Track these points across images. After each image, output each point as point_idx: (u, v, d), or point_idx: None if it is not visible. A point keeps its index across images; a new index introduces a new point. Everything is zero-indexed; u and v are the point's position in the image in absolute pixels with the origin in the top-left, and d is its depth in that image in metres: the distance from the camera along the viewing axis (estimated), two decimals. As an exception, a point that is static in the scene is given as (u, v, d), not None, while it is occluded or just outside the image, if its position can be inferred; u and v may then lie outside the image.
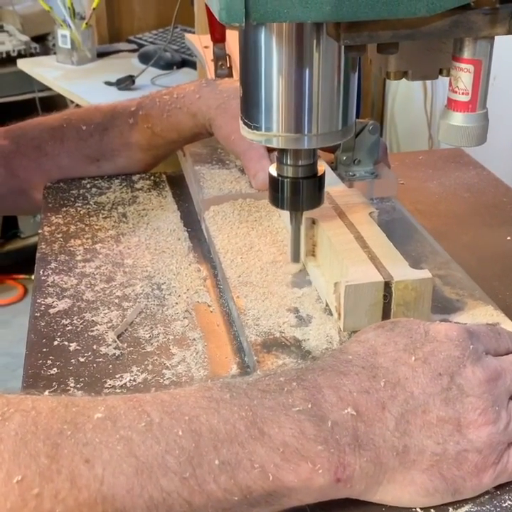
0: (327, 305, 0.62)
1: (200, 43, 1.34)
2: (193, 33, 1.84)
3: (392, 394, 0.44)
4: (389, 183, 0.81)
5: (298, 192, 0.61)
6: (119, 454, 0.38)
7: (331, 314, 0.61)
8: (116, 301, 0.66)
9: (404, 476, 0.43)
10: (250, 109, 0.57)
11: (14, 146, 0.87)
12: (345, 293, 0.57)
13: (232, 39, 1.12)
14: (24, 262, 2.74)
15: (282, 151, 0.60)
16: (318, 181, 0.61)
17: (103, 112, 0.88)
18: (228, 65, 1.08)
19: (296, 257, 0.66)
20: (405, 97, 1.59)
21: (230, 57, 1.09)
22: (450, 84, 0.53)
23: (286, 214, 0.73)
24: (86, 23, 1.85)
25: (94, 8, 1.84)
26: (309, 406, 0.42)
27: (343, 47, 0.51)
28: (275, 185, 0.62)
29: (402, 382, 0.44)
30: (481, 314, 0.61)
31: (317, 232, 0.65)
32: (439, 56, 0.55)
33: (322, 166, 0.62)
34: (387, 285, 0.57)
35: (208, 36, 1.18)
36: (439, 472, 0.43)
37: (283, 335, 0.59)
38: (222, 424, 0.40)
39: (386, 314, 0.58)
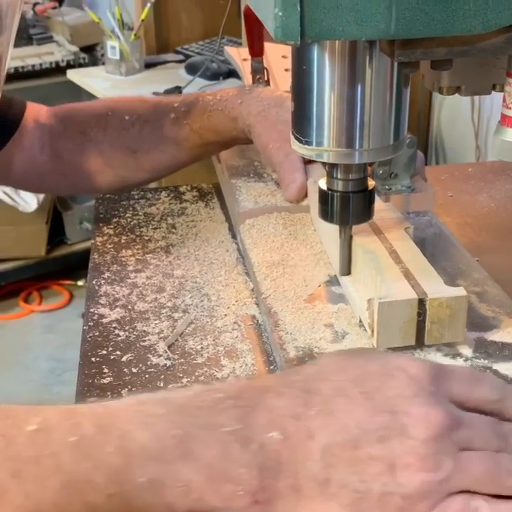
0: (361, 321, 0.61)
1: (239, 55, 1.36)
2: (240, 43, 1.86)
3: (322, 423, 0.42)
4: (426, 196, 0.79)
5: (347, 206, 0.61)
6: (47, 469, 0.39)
7: (365, 330, 0.60)
8: (167, 311, 0.67)
9: (323, 508, 0.41)
10: (302, 124, 0.58)
11: (61, 127, 0.88)
12: (379, 310, 0.56)
13: (270, 53, 1.13)
14: (70, 268, 2.79)
15: (333, 166, 0.60)
16: (368, 196, 0.62)
17: (147, 104, 0.89)
18: (266, 79, 1.09)
19: (344, 270, 0.66)
20: (452, 107, 1.58)
21: (267, 70, 1.11)
22: (504, 100, 0.53)
23: (321, 228, 0.74)
24: (134, 35, 1.88)
25: (142, 20, 1.87)
26: (239, 427, 0.42)
27: (396, 63, 0.51)
28: (324, 199, 0.63)
29: (336, 413, 0.42)
30: None
31: (352, 247, 0.65)
32: (493, 72, 0.55)
33: (372, 181, 0.62)
34: (421, 302, 0.57)
35: (246, 49, 1.20)
36: (358, 510, 0.41)
37: (319, 350, 0.59)
38: (154, 441, 0.40)
39: (420, 331, 0.58)
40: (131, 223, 0.85)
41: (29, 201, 2.49)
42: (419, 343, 0.59)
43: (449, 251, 0.73)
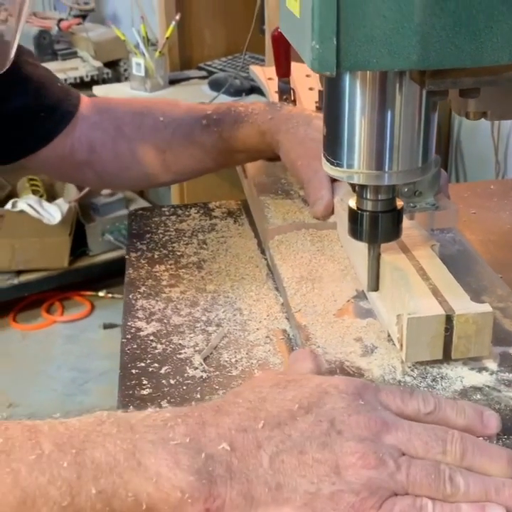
0: (389, 335, 0.64)
1: (264, 74, 1.40)
2: (262, 60, 1.89)
3: (269, 434, 0.46)
4: (450, 214, 0.81)
5: (376, 225, 0.64)
6: (6, 486, 0.42)
7: (394, 345, 0.63)
8: (201, 325, 0.69)
9: None
10: (333, 146, 0.60)
11: (98, 118, 0.91)
12: (408, 325, 0.59)
13: (295, 73, 1.17)
14: (91, 279, 2.83)
15: (362, 186, 0.63)
16: (397, 215, 0.64)
17: (181, 109, 0.93)
18: (292, 99, 1.13)
19: (373, 287, 0.68)
20: (471, 123, 1.60)
21: (294, 91, 1.14)
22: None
23: (348, 244, 0.76)
24: (159, 52, 1.92)
25: (167, 38, 1.91)
26: (187, 440, 0.45)
27: (425, 91, 0.54)
28: (354, 218, 0.65)
29: (281, 425, 0.46)
30: None
31: (380, 264, 0.67)
32: (518, 97, 0.57)
33: (401, 201, 0.64)
34: (449, 318, 0.59)
35: (271, 68, 1.24)
36: (312, 510, 0.44)
37: (349, 364, 0.61)
38: (104, 456, 0.44)
39: (447, 346, 0.60)
40: (163, 239, 0.88)
41: (53, 214, 2.54)
42: (447, 357, 0.61)
43: (473, 268, 0.75)
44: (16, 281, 2.65)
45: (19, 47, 0.84)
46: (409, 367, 0.61)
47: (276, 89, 1.15)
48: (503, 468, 0.47)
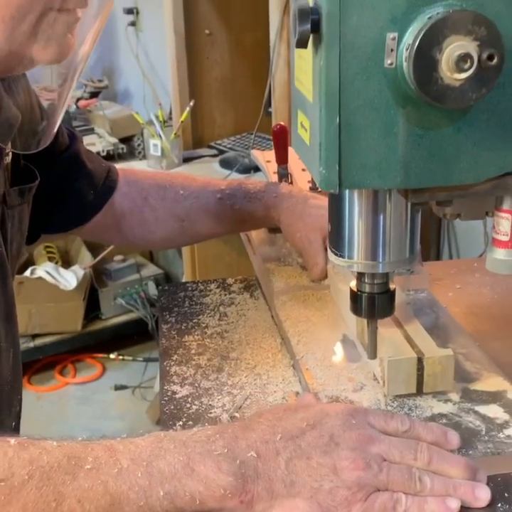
0: (374, 375, 0.80)
1: (263, 158, 1.58)
2: (269, 139, 2.07)
3: (285, 445, 0.61)
4: (422, 277, 0.99)
5: (373, 304, 0.77)
6: (99, 493, 0.57)
7: (378, 382, 0.79)
8: (227, 388, 0.82)
9: (291, 503, 0.60)
10: (337, 241, 0.74)
11: (127, 189, 1.06)
12: (388, 366, 0.75)
13: (293, 162, 1.36)
14: (103, 342, 2.93)
15: (361, 273, 0.76)
16: (391, 295, 0.77)
17: (198, 183, 1.09)
18: (290, 182, 1.30)
19: (372, 355, 0.81)
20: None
21: (291, 175, 1.33)
22: (494, 226, 0.69)
23: (338, 300, 0.92)
24: (175, 134, 2.09)
25: (182, 121, 2.08)
26: (225, 451, 0.60)
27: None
28: (354, 298, 0.78)
29: (294, 438, 0.62)
30: (493, 383, 0.79)
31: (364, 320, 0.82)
32: (486, 202, 0.71)
33: (394, 284, 0.78)
34: (420, 360, 0.75)
35: (270, 152, 1.42)
36: (316, 501, 0.59)
37: (343, 398, 0.77)
38: (167, 466, 0.58)
39: (419, 382, 0.76)
40: (189, 312, 1.01)
41: (70, 280, 2.67)
42: (419, 391, 0.77)
43: (442, 321, 0.92)
44: (31, 344, 2.74)
45: (75, 133, 0.99)
46: (391, 399, 0.77)
47: (275, 171, 1.34)
48: (460, 472, 0.63)
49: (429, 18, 0.57)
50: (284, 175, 1.31)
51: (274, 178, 1.35)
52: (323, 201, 1.03)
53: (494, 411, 0.75)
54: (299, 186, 1.29)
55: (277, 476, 0.60)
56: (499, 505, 0.63)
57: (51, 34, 0.69)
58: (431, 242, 1.80)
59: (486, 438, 0.71)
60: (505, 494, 0.64)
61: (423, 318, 0.86)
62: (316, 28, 0.58)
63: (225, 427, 0.63)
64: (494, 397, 0.77)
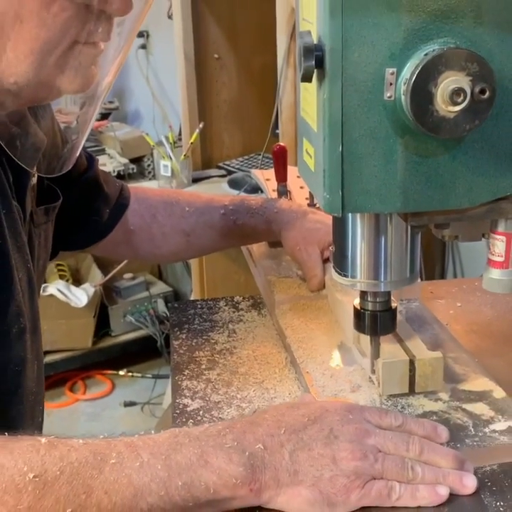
0: (370, 377, 0.84)
1: (263, 176, 1.64)
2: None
3: (288, 438, 0.66)
4: (415, 287, 1.04)
5: (376, 322, 0.81)
6: (124, 485, 0.61)
7: (373, 383, 0.83)
8: (236, 402, 0.85)
9: (294, 490, 0.64)
10: (341, 261, 0.78)
11: (137, 206, 1.11)
12: (383, 368, 0.80)
13: (291, 180, 1.42)
14: (113, 359, 2.97)
15: (364, 291, 0.80)
16: (392, 313, 0.81)
17: (203, 200, 1.15)
18: (289, 199, 1.36)
19: (374, 369, 0.84)
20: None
21: (290, 192, 1.39)
22: (489, 247, 0.73)
23: (335, 309, 0.97)
24: (185, 155, 2.14)
25: (191, 143, 2.13)
26: (235, 444, 0.65)
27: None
28: (358, 316, 0.82)
29: (297, 432, 0.67)
30: (480, 383, 0.84)
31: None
32: (482, 225, 0.75)
33: (395, 302, 0.81)
34: (412, 362, 0.81)
35: (269, 171, 1.49)
36: (318, 489, 0.64)
37: (342, 398, 0.82)
38: (183, 459, 0.63)
39: (412, 382, 0.81)
40: (199, 329, 1.05)
41: (80, 297, 2.72)
42: (411, 390, 0.82)
43: (434, 328, 0.98)
44: (42, 361, 2.79)
45: (93, 155, 1.04)
46: (385, 399, 0.81)
47: (274, 188, 1.40)
48: (449, 463, 0.68)
49: (426, 54, 0.61)
50: (283, 192, 1.37)
51: (274, 195, 1.42)
52: (321, 216, 1.10)
53: (481, 408, 0.80)
54: (298, 202, 1.35)
55: (282, 466, 0.65)
56: (483, 496, 0.68)
57: (77, 66, 0.73)
58: (435, 261, 1.83)
59: (473, 433, 0.76)
60: (489, 484, 0.69)
61: (415, 325, 0.93)
62: (319, 64, 0.62)
63: (233, 423, 0.69)
64: (481, 396, 0.82)
